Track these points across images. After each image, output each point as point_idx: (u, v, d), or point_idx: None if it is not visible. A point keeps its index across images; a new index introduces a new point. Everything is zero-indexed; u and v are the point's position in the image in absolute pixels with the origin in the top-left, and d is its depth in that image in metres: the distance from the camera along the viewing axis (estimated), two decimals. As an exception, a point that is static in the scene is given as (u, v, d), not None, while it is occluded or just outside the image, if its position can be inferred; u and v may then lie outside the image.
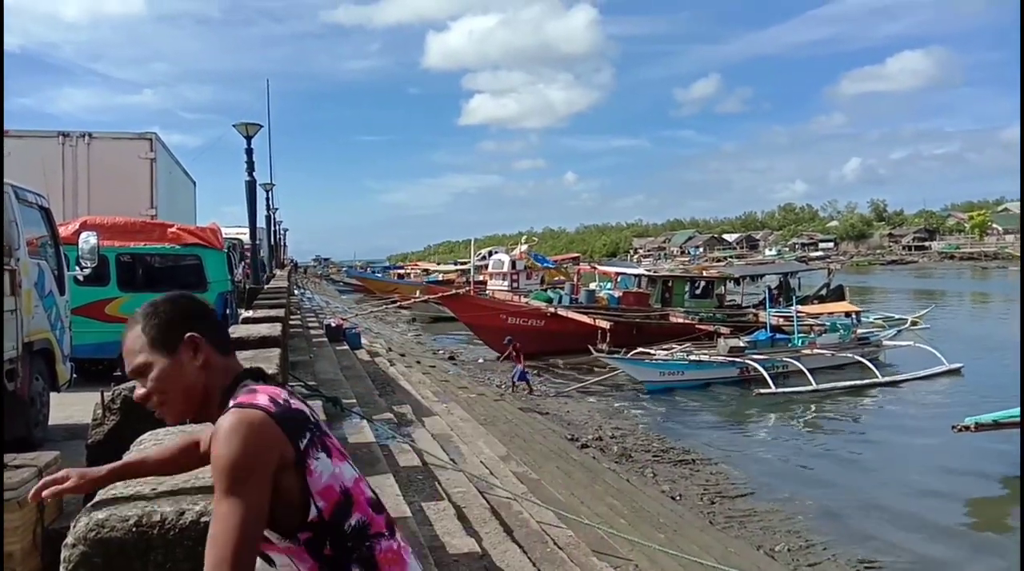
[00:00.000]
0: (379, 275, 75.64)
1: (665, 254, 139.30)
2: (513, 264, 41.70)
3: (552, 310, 25.48)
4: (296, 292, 32.06)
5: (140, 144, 13.81)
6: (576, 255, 77.63)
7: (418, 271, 75.08)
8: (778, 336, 21.30)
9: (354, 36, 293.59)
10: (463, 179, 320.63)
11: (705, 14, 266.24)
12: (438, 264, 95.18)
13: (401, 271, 79.03)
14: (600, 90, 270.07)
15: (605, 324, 23.12)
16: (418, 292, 39.94)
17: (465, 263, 77.76)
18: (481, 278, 48.82)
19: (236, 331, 6.41)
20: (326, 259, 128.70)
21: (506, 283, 40.54)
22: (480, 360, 24.24)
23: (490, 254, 59.58)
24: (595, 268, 33.63)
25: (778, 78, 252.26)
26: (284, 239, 56.24)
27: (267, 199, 32.54)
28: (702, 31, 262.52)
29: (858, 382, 18.32)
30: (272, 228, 38.01)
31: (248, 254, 20.78)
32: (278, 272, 33.48)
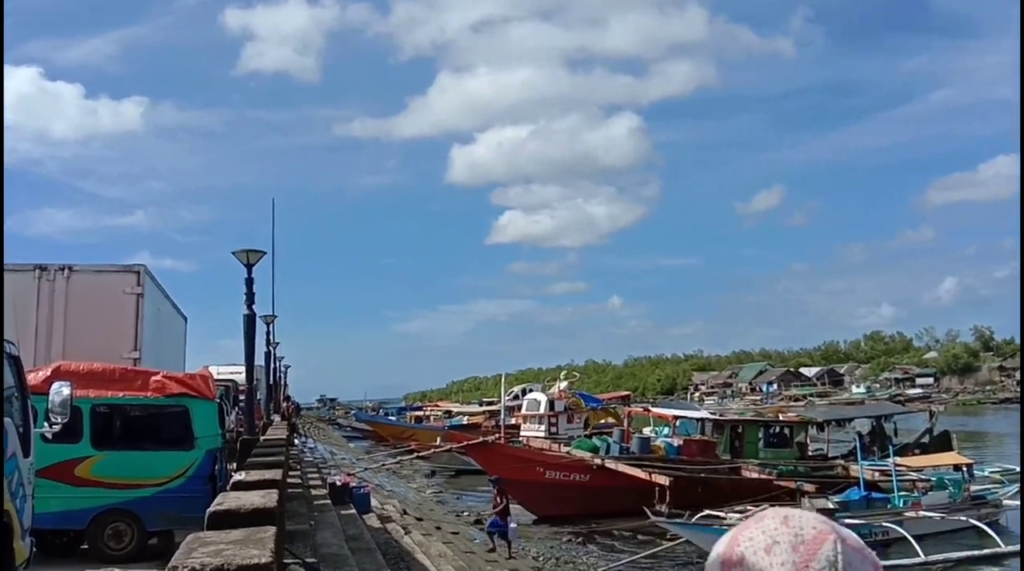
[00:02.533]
0: (393, 419, 75.32)
1: (732, 392, 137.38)
2: (551, 405, 41.38)
3: (599, 462, 25.01)
4: (297, 441, 31.96)
5: (126, 278, 14.26)
6: (626, 393, 76.68)
7: (439, 413, 74.62)
8: (874, 495, 20.62)
9: (370, 150, 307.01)
10: (491, 305, 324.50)
11: (763, 118, 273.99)
12: (462, 404, 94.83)
13: (419, 413, 78.63)
14: (647, 204, 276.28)
15: (664, 479, 22.57)
16: (439, 439, 39.48)
17: (494, 403, 77.61)
18: (513, 421, 48.29)
19: (224, 502, 6.34)
20: (332, 400, 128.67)
21: (543, 428, 40.03)
22: (513, 524, 23.63)
23: (524, 393, 59.29)
24: (649, 410, 33.14)
25: (852, 188, 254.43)
26: (285, 377, 56.61)
27: (267, 333, 33.06)
28: (761, 137, 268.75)
29: (977, 552, 17.43)
30: (272, 365, 38.40)
31: (243, 398, 20.91)
32: (276, 418, 33.49)
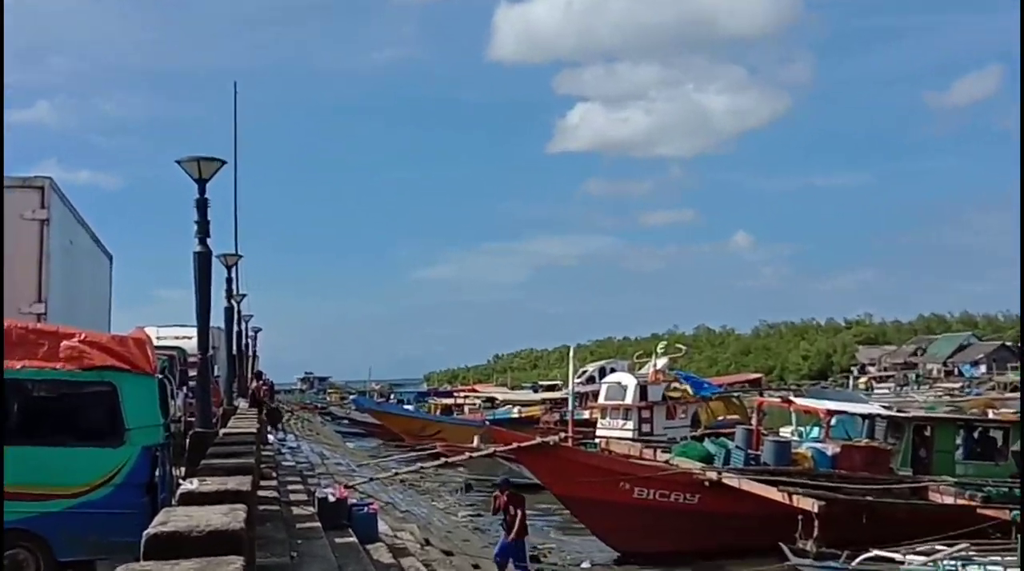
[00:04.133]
0: (410, 408, 76.42)
1: (917, 376, 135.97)
2: (643, 391, 41.49)
3: (714, 476, 25.10)
4: (271, 438, 32.54)
5: (24, 197, 14.44)
6: (756, 376, 76.25)
7: (477, 401, 75.38)
8: None
9: (377, 14, 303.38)
10: (554, 244, 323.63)
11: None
12: (511, 389, 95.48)
13: (448, 401, 79.60)
14: (792, 92, 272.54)
15: (811, 504, 22.57)
16: (476, 439, 39.98)
17: (557, 387, 77.53)
18: (587, 415, 48.51)
19: (169, 520, 6.51)
20: (322, 380, 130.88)
21: (631, 425, 40.20)
22: (585, 563, 23.93)
23: (603, 373, 59.44)
24: (790, 402, 33.00)
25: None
26: (255, 345, 57.41)
27: (229, 281, 33.44)
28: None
29: None
30: (236, 328, 38.92)
31: (194, 374, 21.31)
32: (241, 403, 34.11)
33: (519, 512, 18.44)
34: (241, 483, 8.87)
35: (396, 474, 34.18)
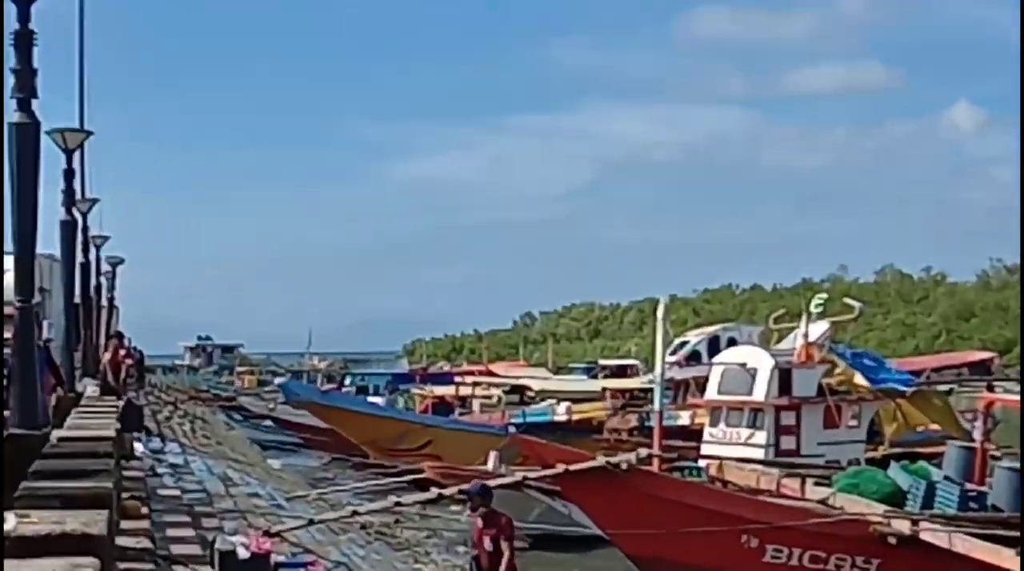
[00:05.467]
0: (379, 401, 76.75)
1: None
2: (785, 380, 41.40)
3: (906, 529, 25.11)
4: (140, 446, 32.76)
5: None
6: (985, 356, 76.48)
7: (493, 394, 75.65)
8: None
9: None
10: (636, 120, 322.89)
11: None
12: (553, 371, 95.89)
13: (445, 390, 79.84)
14: None
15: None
16: (493, 457, 40.15)
17: (634, 371, 77.91)
18: (684, 419, 48.92)
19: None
20: (227, 350, 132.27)
21: (761, 436, 40.25)
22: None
23: (714, 347, 59.95)
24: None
25: None
26: (112, 290, 57.90)
27: (70, 175, 33.43)
28: None
29: None
30: (81, 258, 39.12)
31: (9, 335, 21.45)
32: (89, 387, 34.29)
33: (505, 548, 18.36)
34: (89, 522, 8.87)
35: (355, 514, 34.41)
